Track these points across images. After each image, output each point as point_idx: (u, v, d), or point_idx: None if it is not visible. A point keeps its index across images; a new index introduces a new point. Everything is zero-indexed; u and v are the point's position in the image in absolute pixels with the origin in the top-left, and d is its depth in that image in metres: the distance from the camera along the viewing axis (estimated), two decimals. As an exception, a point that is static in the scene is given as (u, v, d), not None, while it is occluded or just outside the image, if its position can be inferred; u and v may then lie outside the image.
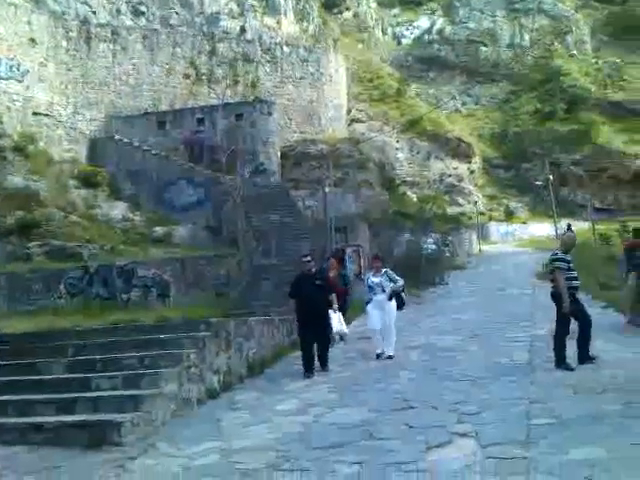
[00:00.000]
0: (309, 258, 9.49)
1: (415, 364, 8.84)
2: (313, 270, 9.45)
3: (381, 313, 9.53)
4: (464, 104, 62.84)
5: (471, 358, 8.90)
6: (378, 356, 9.38)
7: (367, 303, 9.84)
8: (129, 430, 6.16)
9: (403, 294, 9.98)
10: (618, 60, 63.45)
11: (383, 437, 5.50)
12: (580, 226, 32.04)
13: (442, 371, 8.16)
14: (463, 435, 5.34)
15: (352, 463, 4.84)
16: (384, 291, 9.58)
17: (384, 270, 9.87)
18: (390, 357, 9.28)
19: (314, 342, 8.99)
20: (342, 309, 10.31)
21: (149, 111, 25.75)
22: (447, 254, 23.06)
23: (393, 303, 9.60)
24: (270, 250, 14.91)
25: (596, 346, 8.97)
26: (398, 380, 7.87)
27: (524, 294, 15.92)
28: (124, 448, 5.92)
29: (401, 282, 9.79)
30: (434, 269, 20.18)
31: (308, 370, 8.79)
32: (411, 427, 5.73)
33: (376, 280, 9.72)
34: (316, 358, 9.10)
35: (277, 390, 8.04)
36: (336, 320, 9.39)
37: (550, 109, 58.50)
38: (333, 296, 9.51)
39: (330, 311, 9.24)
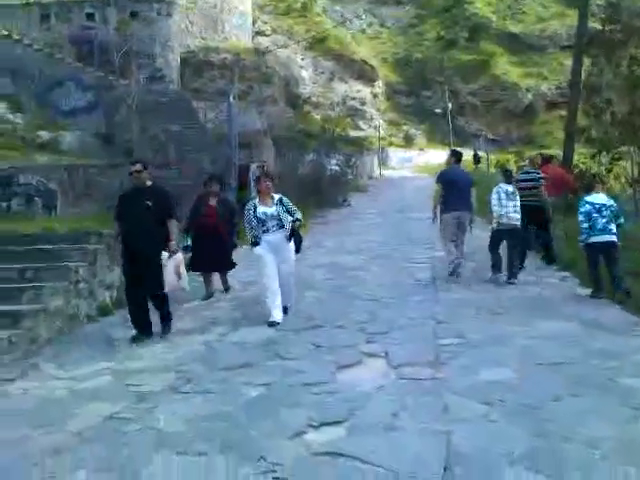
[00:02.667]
0: (138, 167, 6.32)
1: (320, 283, 8.64)
2: (148, 184, 6.39)
3: (277, 259, 6.67)
4: (370, 25, 61.82)
5: (376, 278, 8.85)
6: (271, 324, 6.38)
7: (253, 243, 6.73)
8: (5, 349, 5.54)
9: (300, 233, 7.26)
10: (518, -10, 64.39)
11: (290, 357, 5.26)
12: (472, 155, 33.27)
13: (348, 290, 8.05)
14: (373, 355, 5.22)
15: (258, 385, 4.57)
16: (281, 227, 6.72)
17: (278, 197, 6.88)
18: (286, 309, 6.85)
19: (143, 292, 6.24)
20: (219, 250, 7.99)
21: (30, 1, 22.88)
22: (350, 176, 23.02)
23: (292, 245, 6.91)
24: (169, 162, 13.99)
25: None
26: (304, 299, 7.64)
27: (423, 217, 16.17)
28: None
29: (299, 214, 6.95)
30: (337, 190, 20.06)
31: (139, 330, 6.22)
32: (319, 347, 5.54)
33: (270, 211, 6.72)
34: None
35: (176, 307, 7.55)
36: (170, 270, 6.23)
37: (453, 37, 58.91)
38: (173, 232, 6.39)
39: (164, 254, 6.17)
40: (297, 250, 7.09)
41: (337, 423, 3.78)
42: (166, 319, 6.41)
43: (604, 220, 7.17)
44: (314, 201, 17.47)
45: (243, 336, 6.09)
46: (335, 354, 5.25)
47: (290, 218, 6.78)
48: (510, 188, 8.44)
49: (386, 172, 34.19)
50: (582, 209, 7.35)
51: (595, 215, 7.18)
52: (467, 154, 36.91)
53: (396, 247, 11.69)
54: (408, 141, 49.76)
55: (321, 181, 19.10)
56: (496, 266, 8.35)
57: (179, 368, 5.10)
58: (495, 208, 8.28)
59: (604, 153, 16.63)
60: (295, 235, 6.91)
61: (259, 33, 40.54)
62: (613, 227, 7.22)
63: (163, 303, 6.37)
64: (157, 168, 12.78)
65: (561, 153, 16.44)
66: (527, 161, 11.36)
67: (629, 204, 16.65)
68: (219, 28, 28.39)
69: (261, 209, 6.74)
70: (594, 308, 6.57)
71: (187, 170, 12.84)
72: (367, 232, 13.96)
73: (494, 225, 8.37)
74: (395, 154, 43.18)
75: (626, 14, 19.97)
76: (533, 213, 8.83)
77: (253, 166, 14.57)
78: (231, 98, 12.21)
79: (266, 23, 42.90)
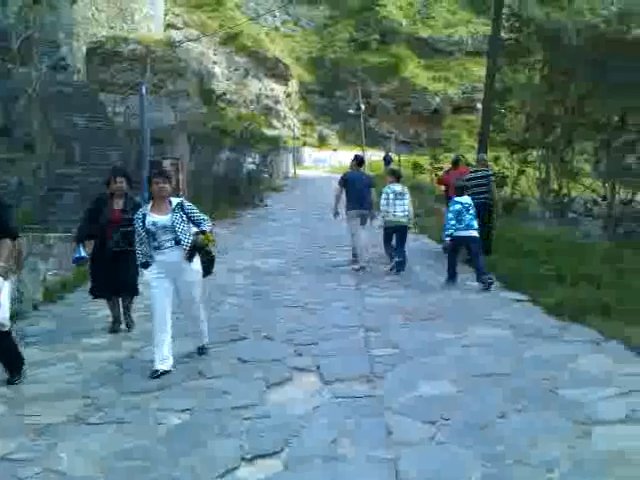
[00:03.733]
0: None
1: (241, 289, 8.18)
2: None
3: (171, 287, 5.10)
4: (284, 23, 61.61)
5: (299, 282, 8.50)
6: (154, 375, 4.81)
7: (142, 265, 5.15)
8: None
9: (211, 248, 5.32)
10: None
11: (214, 375, 4.81)
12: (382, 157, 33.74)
13: (271, 296, 7.64)
14: (304, 370, 4.86)
15: (179, 411, 4.08)
16: (178, 243, 5.03)
17: (177, 201, 5.24)
18: (203, 350, 5.37)
19: None
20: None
21: None
22: (266, 175, 22.54)
23: (196, 265, 5.18)
24: (74, 158, 12.98)
25: (417, 271, 9.21)
26: (223, 307, 7.17)
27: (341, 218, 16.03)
28: None
29: (207, 224, 5.26)
30: (254, 190, 19.54)
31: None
32: (245, 362, 5.11)
33: (162, 220, 5.05)
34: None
35: (82, 320, 6.87)
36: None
37: (365, 39, 59.77)
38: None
39: None
40: (206, 271, 5.35)
41: (272, 454, 3.38)
42: (14, 366, 4.81)
43: (469, 217, 8.08)
44: (231, 200, 16.90)
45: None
46: (263, 370, 4.83)
47: (193, 229, 5.16)
48: (398, 188, 9.11)
49: (301, 172, 33.97)
50: (453, 208, 8.13)
51: (464, 212, 8.03)
52: (378, 155, 37.59)
53: (317, 249, 11.42)
54: (322, 141, 49.92)
55: (237, 180, 18.53)
56: (400, 263, 8.96)
57: (86, 393, 4.50)
58: (383, 207, 8.99)
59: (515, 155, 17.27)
60: (200, 253, 5.18)
61: (170, 26, 39.21)
62: (476, 224, 8.17)
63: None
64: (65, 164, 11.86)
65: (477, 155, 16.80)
66: (478, 161, 11.48)
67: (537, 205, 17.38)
68: (128, 18, 27.05)
69: (151, 218, 5.05)
70: (521, 313, 6.51)
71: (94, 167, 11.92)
72: (286, 233, 13.60)
73: (382, 223, 9.15)
74: (309, 154, 43.11)
75: (533, 24, 20.81)
76: (480, 210, 9.11)
77: (166, 162, 13.83)
78: (143, 90, 11.45)
79: (178, 16, 41.57)
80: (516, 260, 8.84)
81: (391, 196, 8.98)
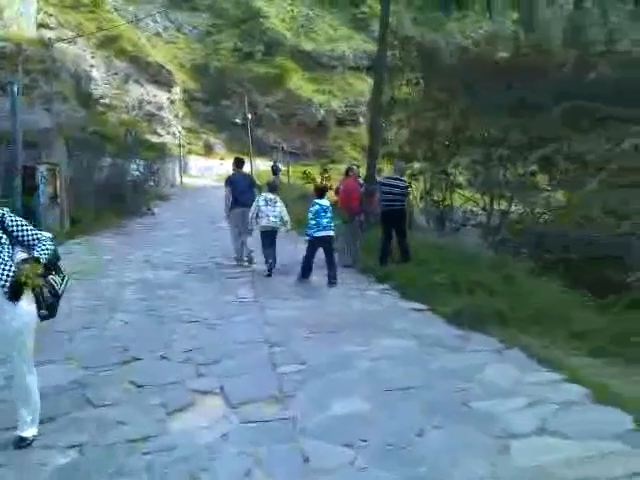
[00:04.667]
0: None
1: (131, 304, 7.55)
2: None
3: None
4: (166, 29, 60.08)
5: (194, 296, 8.03)
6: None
7: None
8: None
9: (55, 280, 3.77)
10: (310, 12, 67.50)
11: (105, 403, 4.31)
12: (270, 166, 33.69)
13: (165, 312, 7.11)
14: (207, 393, 4.49)
15: (66, 447, 3.59)
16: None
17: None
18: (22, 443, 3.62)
19: None
20: None
21: None
22: (152, 183, 21.57)
23: (24, 307, 3.57)
24: None
25: (314, 281, 9.08)
26: (112, 324, 6.58)
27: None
28: None
29: (48, 245, 3.69)
30: (140, 198, 18.59)
31: None
32: (140, 386, 4.65)
33: None
34: None
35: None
36: None
37: (250, 49, 59.72)
38: None
39: None
40: (49, 314, 3.74)
41: (180, 496, 3.02)
42: None
43: (327, 220, 8.86)
44: (116, 209, 15.95)
45: (40, 377, 4.90)
46: (161, 395, 4.41)
47: (21, 255, 3.63)
48: (271, 196, 9.93)
49: (187, 180, 33.08)
50: (312, 208, 8.90)
51: (322, 214, 8.80)
52: (266, 165, 37.45)
53: (209, 260, 10.98)
54: (208, 150, 49.05)
55: (122, 188, 17.53)
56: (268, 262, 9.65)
57: (-48, 433, 3.86)
58: (253, 214, 9.72)
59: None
60: (32, 289, 3.57)
61: (43, 25, 36.75)
62: (332, 225, 9.02)
63: None
64: None
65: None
66: (394, 169, 11.64)
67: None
68: (-4, 13, 24.99)
69: None
70: (422, 322, 6.54)
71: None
72: (176, 243, 12.99)
73: (256, 227, 9.86)
74: (196, 162, 42.13)
75: (411, 42, 21.65)
76: (394, 218, 9.83)
77: (41, 168, 12.76)
78: (14, 89, 10.45)
79: (51, 16, 39.08)
80: (411, 269, 8.94)
81: (262, 202, 9.79)
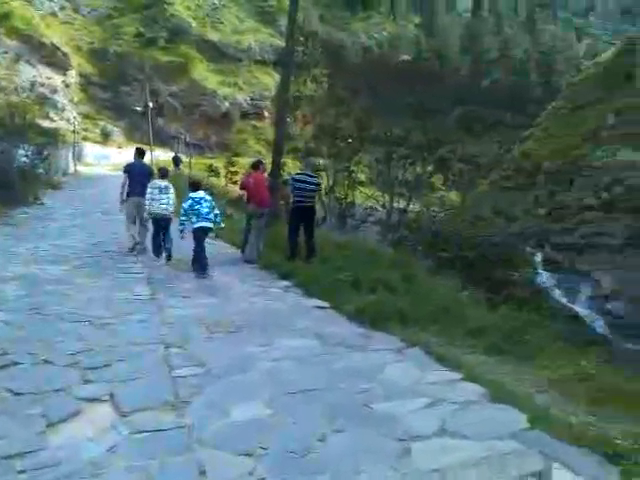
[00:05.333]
0: None
1: (12, 302, 6.91)
2: None
3: None
4: (63, 9, 56.91)
5: (84, 293, 7.49)
6: None
7: None
8: None
9: None
10: (217, 1, 66.29)
11: (-23, 414, 3.88)
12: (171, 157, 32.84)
13: (50, 310, 6.55)
14: (94, 400, 4.12)
15: None
16: None
17: None
18: None
19: None
20: None
21: None
22: (42, 170, 20.21)
23: None
24: None
25: (215, 277, 8.85)
26: (-11, 325, 6.01)
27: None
28: None
29: None
30: (28, 186, 17.33)
31: None
32: (18, 394, 4.21)
33: None
34: None
35: None
36: None
37: (152, 35, 57.83)
38: None
39: None
40: None
41: (60, 518, 2.74)
42: None
43: (205, 210, 9.09)
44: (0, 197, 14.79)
45: None
46: (43, 404, 4.02)
47: None
48: (164, 184, 10.03)
49: (82, 169, 31.40)
50: (185, 203, 9.12)
51: (197, 207, 9.02)
52: (168, 156, 36.36)
53: (103, 253, 10.42)
54: (106, 137, 47.00)
55: (8, 174, 16.26)
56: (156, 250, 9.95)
57: None
58: (147, 201, 9.80)
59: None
60: None
61: None
62: (212, 217, 9.22)
63: None
64: None
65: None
66: (304, 165, 11.54)
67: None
68: None
69: None
70: (325, 320, 6.48)
71: None
72: (67, 236, 12.22)
73: (146, 215, 10.00)
74: (92, 150, 40.16)
75: (317, 39, 21.78)
76: (305, 214, 9.86)
77: None
78: None
79: None
80: (314, 266, 8.90)
81: (155, 191, 9.84)
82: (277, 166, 14.30)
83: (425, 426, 3.74)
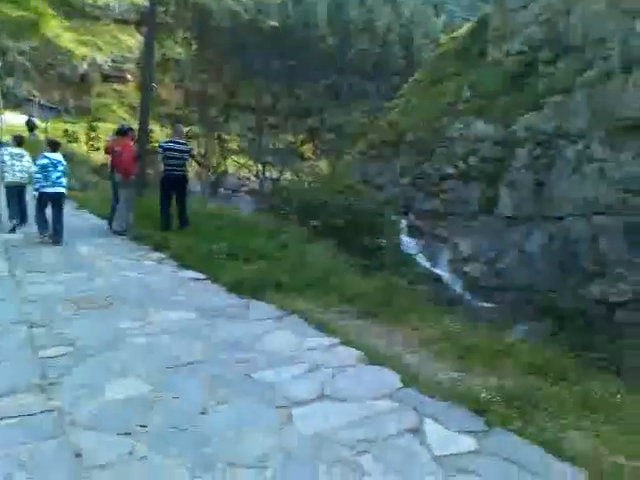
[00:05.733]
0: None
1: None
2: None
3: None
4: None
5: None
6: None
7: None
8: None
9: None
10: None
11: None
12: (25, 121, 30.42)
13: None
14: (-50, 387, 3.79)
15: None
16: None
17: None
18: None
19: None
20: None
21: None
22: None
23: None
24: None
25: (80, 250, 8.40)
26: None
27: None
28: None
29: None
30: None
31: None
32: None
33: None
34: None
35: None
36: None
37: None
38: None
39: None
40: None
41: None
42: None
43: (57, 174, 8.62)
44: None
45: None
46: None
47: None
48: (17, 150, 9.64)
49: None
50: (39, 162, 8.57)
51: (51, 169, 8.54)
52: (20, 120, 33.45)
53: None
54: (-56, 98, 42.19)
55: None
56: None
57: None
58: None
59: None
60: None
61: None
62: (64, 181, 8.73)
63: None
64: None
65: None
66: (174, 132, 10.89)
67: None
68: None
69: None
70: (202, 292, 6.38)
71: None
72: None
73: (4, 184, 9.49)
74: None
75: (187, 1, 20.92)
76: (177, 183, 9.55)
77: None
78: None
79: None
80: (188, 237, 8.68)
81: (7, 157, 9.41)
82: (144, 133, 13.69)
83: (305, 392, 3.82)
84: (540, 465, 3.02)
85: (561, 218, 18.33)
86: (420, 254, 21.62)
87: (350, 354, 4.51)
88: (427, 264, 20.80)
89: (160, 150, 9.88)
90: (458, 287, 19.45)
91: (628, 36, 20.94)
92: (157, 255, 8.28)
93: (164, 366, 4.19)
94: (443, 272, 20.38)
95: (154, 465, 2.95)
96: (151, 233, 9.32)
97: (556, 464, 3.04)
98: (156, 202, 9.88)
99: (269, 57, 18.01)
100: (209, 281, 6.81)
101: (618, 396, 3.76)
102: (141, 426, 3.32)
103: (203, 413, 3.51)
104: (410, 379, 4.01)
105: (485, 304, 17.72)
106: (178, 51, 18.58)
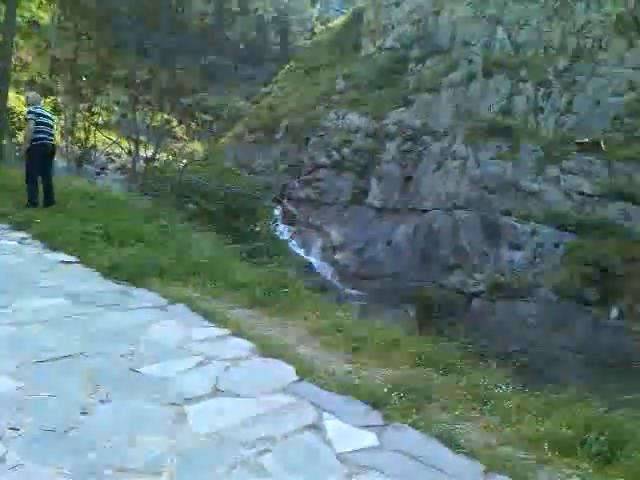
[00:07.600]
0: None
1: None
2: None
3: None
4: None
5: None
6: None
7: None
8: None
9: None
10: None
11: None
12: None
13: None
14: None
15: None
16: None
17: None
18: None
19: None
20: None
21: None
22: None
23: None
24: None
25: None
26: None
27: None
28: None
29: None
30: None
31: None
32: None
33: None
34: None
35: None
36: None
37: None
38: None
39: None
40: None
41: None
42: None
43: None
44: None
45: None
46: None
47: None
48: None
49: None
50: None
51: None
52: None
53: None
54: None
55: None
56: None
57: None
58: None
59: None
60: None
61: None
62: None
63: None
64: None
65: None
66: (31, 96, 9.72)
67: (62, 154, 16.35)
68: None
69: None
70: (75, 277, 5.83)
71: None
72: None
73: None
74: None
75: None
76: (47, 154, 8.94)
77: None
78: None
79: None
80: (56, 217, 7.97)
81: None
82: (2, 100, 12.46)
83: (198, 387, 3.60)
84: (438, 459, 3.05)
85: (425, 211, 19.27)
86: (293, 241, 21.78)
87: (242, 345, 4.34)
88: (300, 251, 20.99)
89: (32, 116, 8.87)
90: (329, 274, 19.81)
91: (490, 41, 22.40)
92: (19, 235, 7.49)
93: (36, 360, 3.76)
94: (315, 259, 20.68)
95: (29, 473, 2.61)
96: (10, 210, 8.44)
97: (453, 457, 3.09)
98: (13, 175, 9.00)
99: (145, 30, 17.03)
100: (81, 265, 6.27)
101: (503, 387, 3.94)
102: (13, 429, 2.93)
103: (85, 413, 3.17)
104: (305, 372, 3.92)
105: (353, 291, 18.23)
106: (42, 16, 17.03)
